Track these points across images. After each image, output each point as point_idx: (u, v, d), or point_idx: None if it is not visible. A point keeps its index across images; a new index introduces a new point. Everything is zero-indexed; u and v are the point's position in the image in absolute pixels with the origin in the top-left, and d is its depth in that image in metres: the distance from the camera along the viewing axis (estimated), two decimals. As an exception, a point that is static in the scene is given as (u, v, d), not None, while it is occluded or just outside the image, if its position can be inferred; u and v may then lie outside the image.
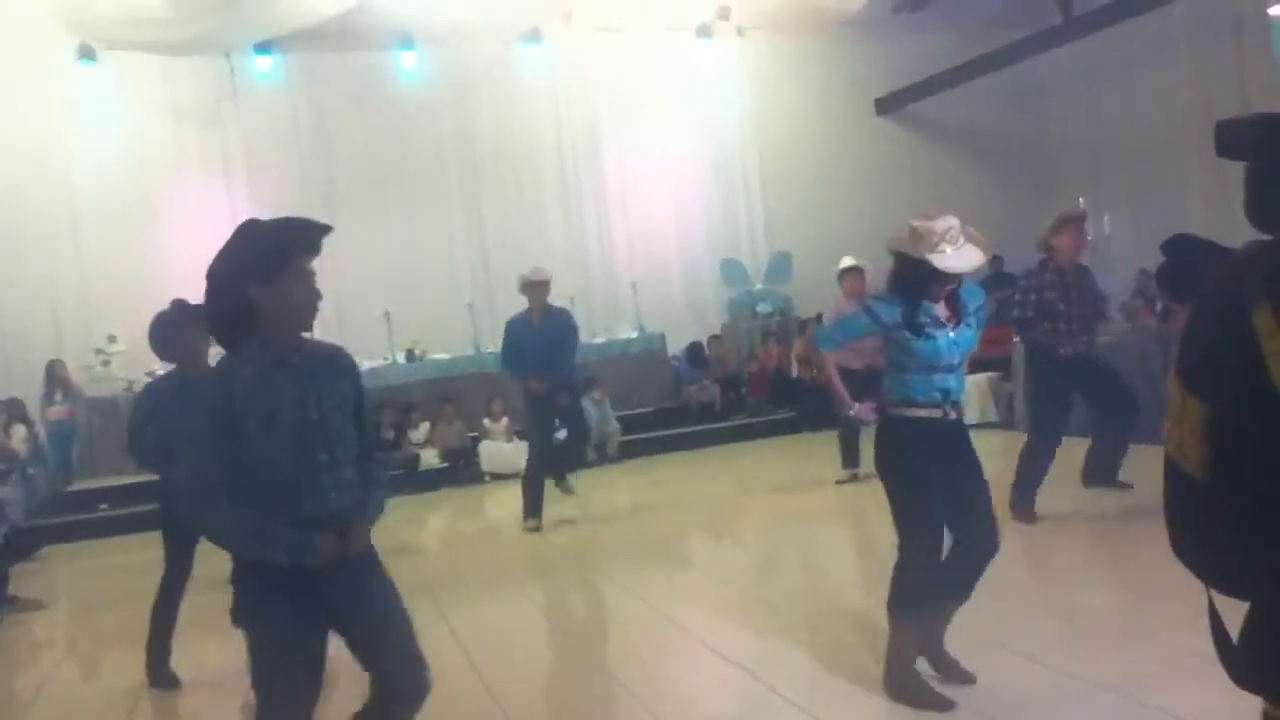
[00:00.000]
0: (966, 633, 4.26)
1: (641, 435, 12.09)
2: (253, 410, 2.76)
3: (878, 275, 9.28)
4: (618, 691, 4.80)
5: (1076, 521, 6.80)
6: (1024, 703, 3.94)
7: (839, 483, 9.03)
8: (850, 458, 9.03)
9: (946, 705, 3.92)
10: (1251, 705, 1.36)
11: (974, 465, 4.09)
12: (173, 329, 5.03)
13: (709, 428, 12.48)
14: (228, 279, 2.80)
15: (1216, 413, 1.10)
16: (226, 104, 12.82)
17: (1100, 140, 14.01)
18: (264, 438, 2.76)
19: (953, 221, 3.88)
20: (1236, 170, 1.68)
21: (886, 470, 4.11)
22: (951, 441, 4.03)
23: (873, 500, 8.67)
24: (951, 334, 3.98)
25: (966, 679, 4.10)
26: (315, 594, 2.81)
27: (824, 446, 11.58)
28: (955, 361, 4.01)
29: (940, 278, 3.91)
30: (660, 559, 7.43)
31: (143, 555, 8.99)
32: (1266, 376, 1.03)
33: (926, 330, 3.95)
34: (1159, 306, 10.02)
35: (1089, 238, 7.10)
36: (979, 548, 4.04)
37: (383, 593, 3.00)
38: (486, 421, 11.57)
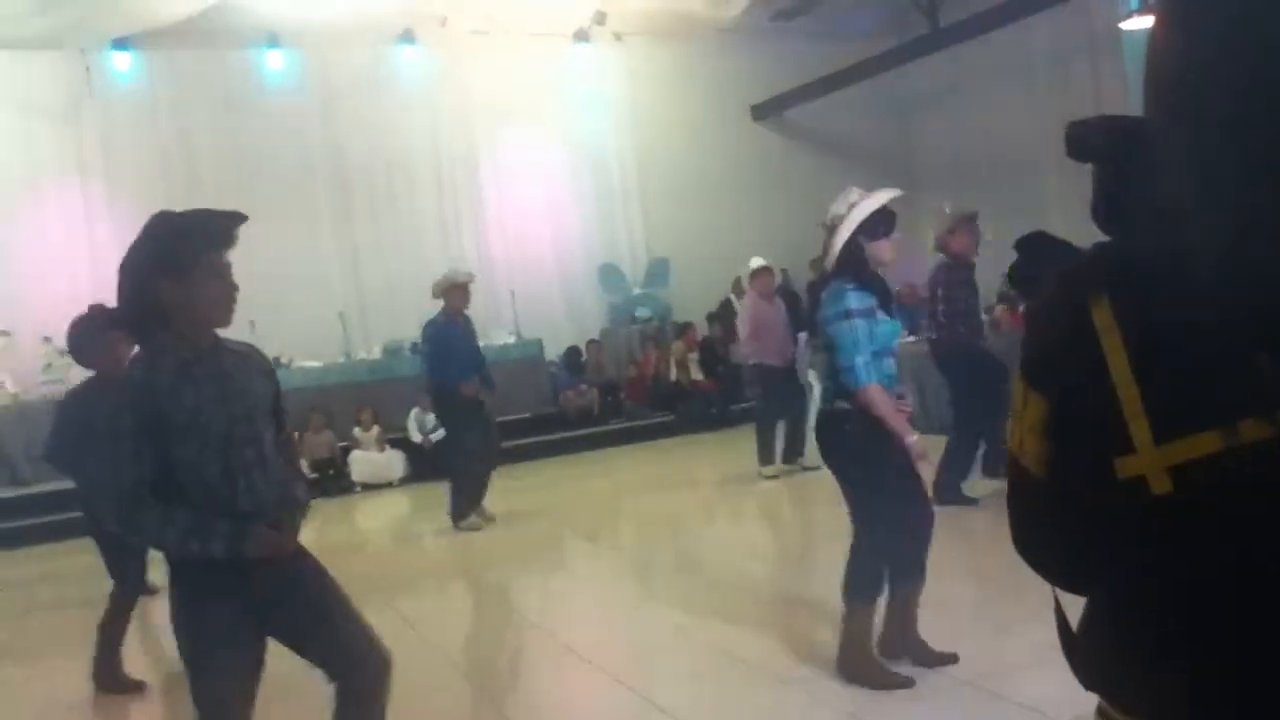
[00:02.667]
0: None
1: (519, 441, 11.96)
2: (177, 407, 2.67)
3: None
4: (484, 707, 4.70)
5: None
6: (880, 695, 4.01)
7: (769, 478, 9.06)
8: (767, 455, 9.08)
9: (907, 683, 4.01)
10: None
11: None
12: (89, 334, 4.81)
13: (587, 432, 12.41)
14: (137, 274, 2.72)
15: (1056, 410, 1.09)
16: (83, 102, 12.20)
17: (964, 151, 14.40)
18: (191, 434, 2.68)
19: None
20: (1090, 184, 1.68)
21: (851, 462, 3.95)
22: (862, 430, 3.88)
23: (750, 500, 8.85)
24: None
25: (946, 660, 4.13)
26: (251, 596, 2.75)
27: (701, 449, 11.69)
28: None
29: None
30: (534, 566, 7.34)
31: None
32: (1104, 373, 1.01)
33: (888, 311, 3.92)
34: (1021, 309, 10.33)
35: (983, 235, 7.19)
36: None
37: (317, 585, 2.95)
38: (357, 431, 11.29)
